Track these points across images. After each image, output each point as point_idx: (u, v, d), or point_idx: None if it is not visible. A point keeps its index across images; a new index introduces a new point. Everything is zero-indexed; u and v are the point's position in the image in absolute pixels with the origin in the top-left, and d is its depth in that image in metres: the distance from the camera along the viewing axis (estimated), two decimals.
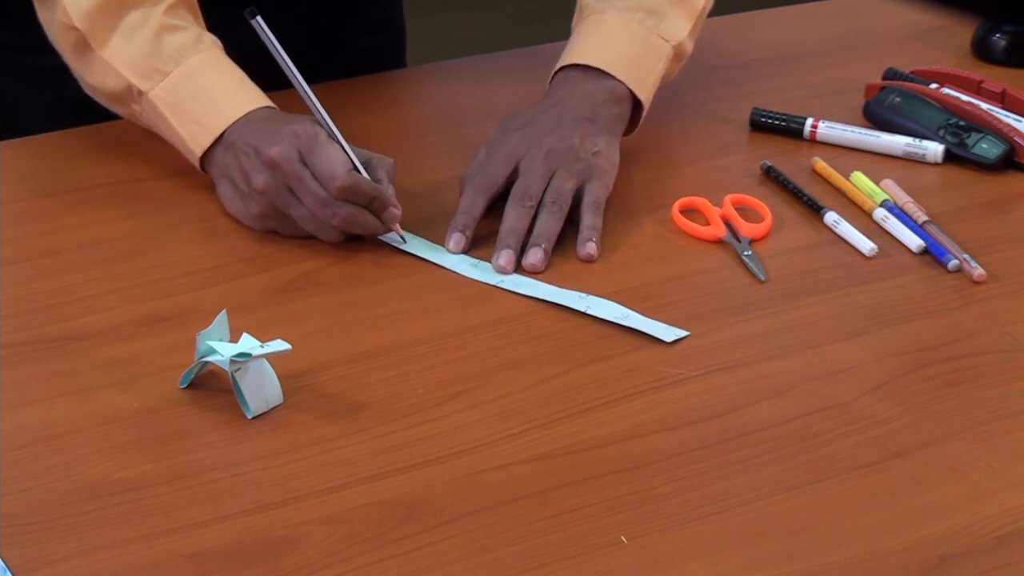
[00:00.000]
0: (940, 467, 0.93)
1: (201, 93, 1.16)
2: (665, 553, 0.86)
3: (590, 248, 1.12)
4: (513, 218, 1.13)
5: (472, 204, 1.14)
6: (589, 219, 1.14)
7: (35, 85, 1.35)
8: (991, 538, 0.87)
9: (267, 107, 1.16)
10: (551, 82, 1.24)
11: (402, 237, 1.13)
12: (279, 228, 1.14)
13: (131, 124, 1.23)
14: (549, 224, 1.12)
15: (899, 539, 0.87)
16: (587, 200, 1.15)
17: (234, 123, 1.14)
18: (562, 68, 1.23)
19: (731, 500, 0.90)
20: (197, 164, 1.17)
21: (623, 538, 0.87)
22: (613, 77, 1.21)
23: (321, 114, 1.11)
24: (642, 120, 1.24)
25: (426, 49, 1.74)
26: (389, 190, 1.11)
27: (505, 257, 1.11)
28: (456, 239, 1.12)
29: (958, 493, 0.91)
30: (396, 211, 1.11)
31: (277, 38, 1.10)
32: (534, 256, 1.11)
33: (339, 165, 1.09)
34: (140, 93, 1.17)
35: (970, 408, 0.98)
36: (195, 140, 1.16)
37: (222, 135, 1.14)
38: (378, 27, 1.49)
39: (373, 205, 1.10)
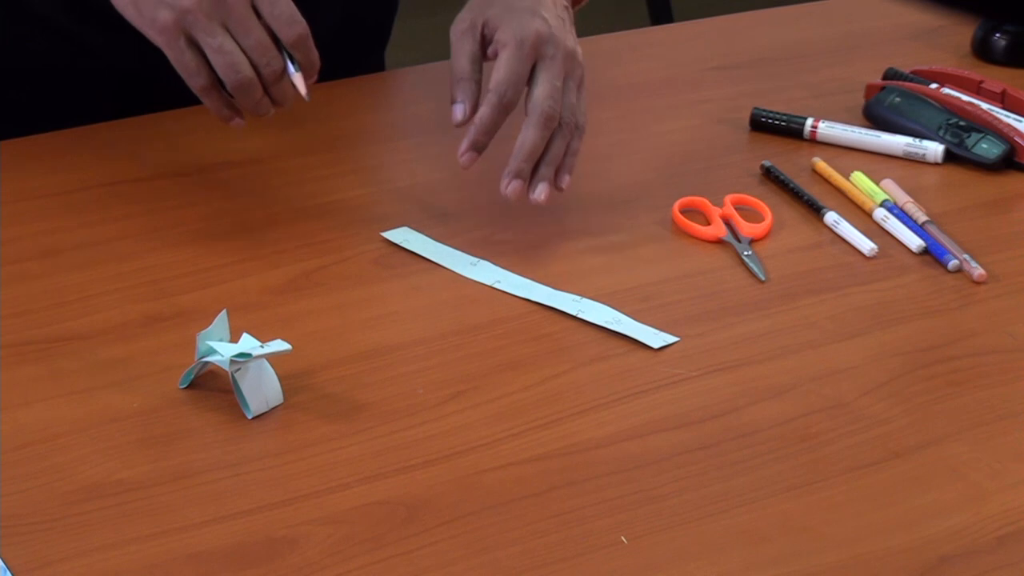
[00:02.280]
0: (940, 467, 0.93)
1: None
2: (665, 553, 0.86)
3: (566, 182, 1.11)
4: (537, 140, 1.11)
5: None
6: (577, 144, 1.13)
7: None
8: (991, 538, 0.87)
9: None
10: None
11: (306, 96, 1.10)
12: (175, 50, 1.07)
13: (131, 124, 1.23)
14: (573, 151, 1.12)
15: (899, 539, 0.87)
16: (581, 121, 1.14)
17: None
18: None
19: (731, 500, 0.90)
20: None
21: (623, 538, 0.87)
22: None
23: None
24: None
25: (426, 49, 1.74)
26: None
27: (514, 188, 1.10)
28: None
29: (958, 493, 0.91)
30: (313, 80, 1.09)
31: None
32: (562, 181, 1.11)
33: (296, 11, 1.06)
34: None
35: (970, 408, 0.98)
36: None
37: None
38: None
39: (310, 75, 1.08)
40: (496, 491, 0.90)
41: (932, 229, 1.16)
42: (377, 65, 1.49)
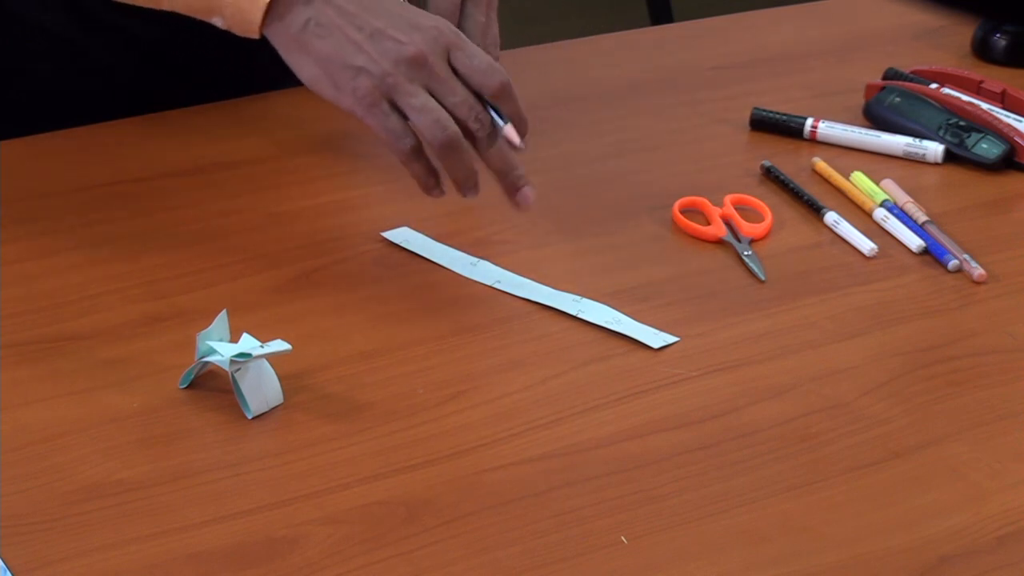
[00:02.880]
0: (940, 467, 0.93)
1: None
2: (665, 553, 0.86)
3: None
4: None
5: None
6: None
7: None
8: (991, 538, 0.87)
9: None
10: None
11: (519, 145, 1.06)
12: (377, 117, 1.03)
13: (131, 124, 1.23)
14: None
15: (899, 539, 0.87)
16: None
17: None
18: None
19: (731, 500, 0.90)
20: (258, 20, 1.03)
21: (623, 538, 0.87)
22: None
23: None
24: None
25: None
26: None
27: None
28: None
29: (958, 493, 0.91)
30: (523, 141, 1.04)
31: None
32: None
33: (494, 61, 1.03)
34: None
35: (970, 408, 0.98)
36: None
37: None
38: None
39: (518, 125, 1.04)
40: (496, 491, 0.90)
41: (932, 229, 1.16)
42: None
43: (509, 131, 1.05)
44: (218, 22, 1.08)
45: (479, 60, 1.03)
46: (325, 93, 1.06)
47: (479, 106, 1.04)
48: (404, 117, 1.04)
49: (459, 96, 1.03)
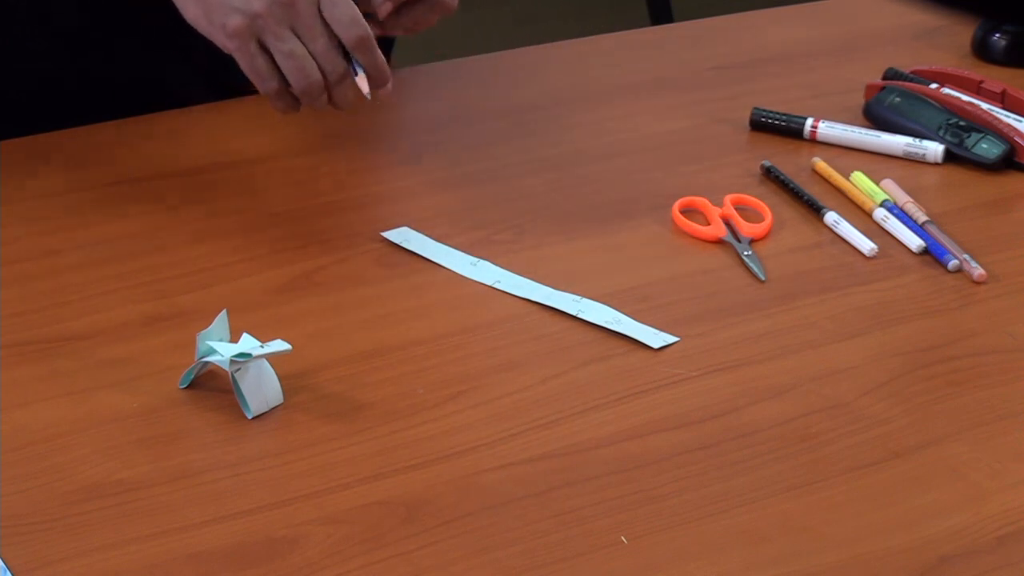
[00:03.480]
0: (940, 467, 0.93)
1: None
2: (665, 553, 0.86)
3: None
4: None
5: None
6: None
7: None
8: (991, 538, 0.87)
9: None
10: None
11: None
12: (245, 55, 1.10)
13: (131, 124, 1.23)
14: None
15: (899, 539, 0.87)
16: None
17: None
18: None
19: (731, 500, 0.90)
20: None
21: (623, 538, 0.87)
22: None
23: None
24: None
25: (426, 49, 1.74)
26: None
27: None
28: None
29: (958, 493, 0.91)
30: (390, 85, 1.12)
31: None
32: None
33: (359, 14, 1.09)
34: None
35: (970, 408, 0.98)
36: None
37: None
38: None
39: (377, 76, 1.11)
40: (496, 491, 0.90)
41: (932, 229, 1.16)
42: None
43: (360, 81, 1.12)
44: None
45: (343, 11, 1.09)
46: (203, 30, 1.12)
47: (336, 55, 1.10)
48: (271, 57, 1.11)
49: (319, 44, 1.09)
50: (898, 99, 1.31)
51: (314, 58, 1.10)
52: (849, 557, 0.86)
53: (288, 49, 1.09)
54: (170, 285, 1.08)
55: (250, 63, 1.11)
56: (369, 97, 1.13)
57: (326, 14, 1.09)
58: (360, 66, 1.12)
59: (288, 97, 1.13)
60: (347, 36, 1.10)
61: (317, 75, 1.10)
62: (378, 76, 1.12)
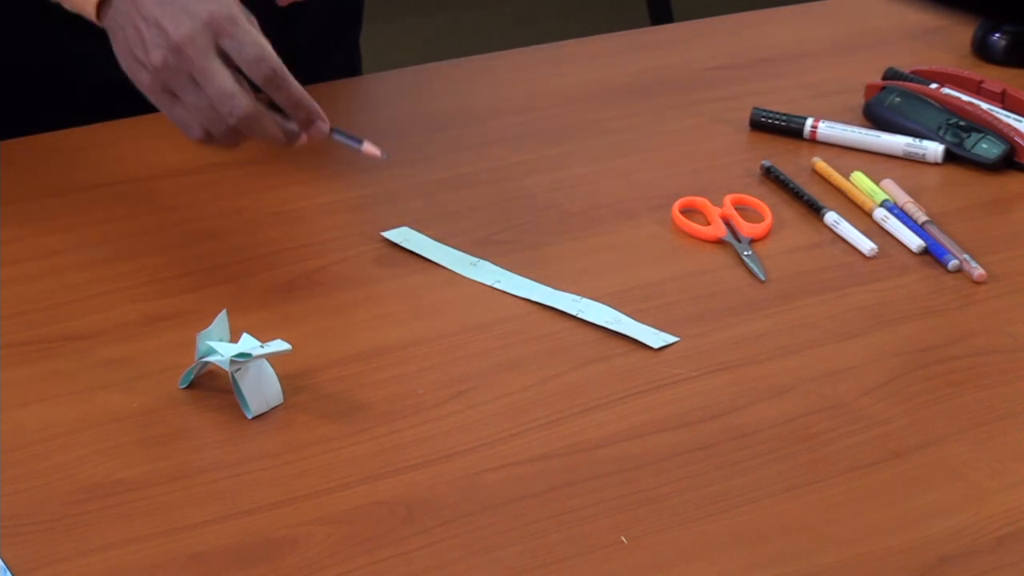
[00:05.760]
0: (940, 467, 0.93)
1: None
2: (665, 553, 0.86)
3: None
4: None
5: None
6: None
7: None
8: (991, 538, 0.87)
9: None
10: None
11: (359, 142, 1.10)
12: (165, 107, 1.06)
13: (131, 124, 1.23)
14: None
15: (899, 539, 0.87)
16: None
17: None
18: None
19: (731, 500, 0.90)
20: (92, 12, 1.06)
21: (623, 538, 0.87)
22: None
23: None
24: None
25: (426, 49, 1.74)
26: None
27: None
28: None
29: (958, 493, 0.91)
30: (324, 124, 1.07)
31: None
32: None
33: (268, 48, 1.03)
34: None
35: (970, 408, 0.98)
36: None
37: None
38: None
39: (295, 113, 1.05)
40: (496, 491, 0.90)
41: (932, 229, 1.16)
42: (352, 47, 1.48)
43: (368, 147, 1.09)
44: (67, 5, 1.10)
45: (248, 50, 1.03)
46: (131, 79, 1.07)
47: (231, 101, 1.03)
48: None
49: (213, 90, 1.03)
50: (898, 99, 1.31)
51: (211, 103, 1.04)
52: (849, 557, 0.86)
53: (192, 102, 1.04)
54: (170, 285, 1.08)
55: (170, 114, 1.06)
56: (385, 156, 1.09)
57: (232, 54, 1.03)
58: (357, 140, 1.09)
59: (220, 139, 1.06)
60: (255, 75, 1.04)
61: (230, 119, 1.04)
62: (296, 112, 1.06)
